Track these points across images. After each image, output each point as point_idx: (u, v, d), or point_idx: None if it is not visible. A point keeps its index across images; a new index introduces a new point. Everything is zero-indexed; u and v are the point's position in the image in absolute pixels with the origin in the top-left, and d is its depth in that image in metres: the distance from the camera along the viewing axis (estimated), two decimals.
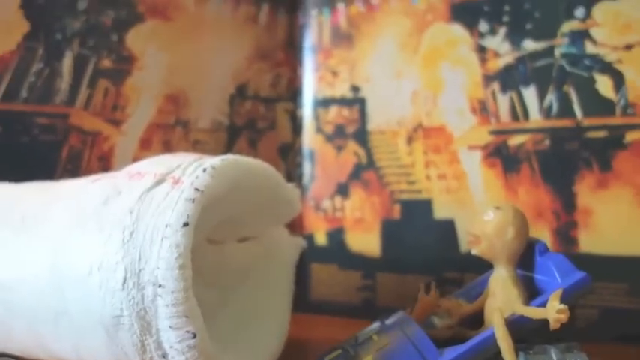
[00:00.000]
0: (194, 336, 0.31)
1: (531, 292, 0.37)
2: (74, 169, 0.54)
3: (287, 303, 0.46)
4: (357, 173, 0.59)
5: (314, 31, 0.62)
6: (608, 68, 0.48)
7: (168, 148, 0.57)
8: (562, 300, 0.32)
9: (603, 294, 0.48)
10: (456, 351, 0.34)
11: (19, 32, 0.52)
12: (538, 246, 0.37)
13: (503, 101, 0.52)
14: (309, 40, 0.62)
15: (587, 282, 0.35)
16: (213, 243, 0.45)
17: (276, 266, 0.46)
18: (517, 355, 0.33)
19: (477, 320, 0.37)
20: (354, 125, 0.59)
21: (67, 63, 0.54)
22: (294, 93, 0.63)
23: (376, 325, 0.38)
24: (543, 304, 0.33)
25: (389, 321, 0.38)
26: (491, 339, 0.34)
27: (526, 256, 0.38)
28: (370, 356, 0.35)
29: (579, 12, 0.49)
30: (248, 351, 0.40)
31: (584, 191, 0.49)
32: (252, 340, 0.41)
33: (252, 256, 0.46)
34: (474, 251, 0.37)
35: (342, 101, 0.60)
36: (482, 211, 0.36)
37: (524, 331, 0.34)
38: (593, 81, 0.49)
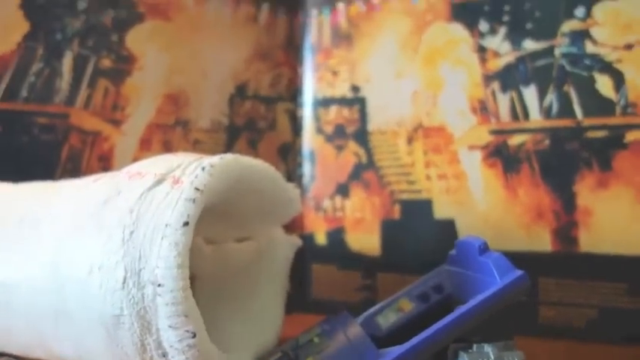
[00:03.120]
0: (194, 335, 0.31)
1: (472, 291, 0.37)
2: (74, 169, 0.54)
3: (281, 302, 0.46)
4: (357, 173, 0.59)
5: (314, 31, 0.62)
6: (608, 68, 0.49)
7: (168, 148, 0.57)
8: (500, 298, 0.34)
9: (603, 294, 0.48)
10: (396, 352, 0.34)
11: (19, 32, 0.52)
12: (479, 245, 0.38)
13: (504, 101, 0.52)
14: (309, 40, 0.63)
15: (524, 281, 0.36)
16: (212, 243, 0.45)
17: (271, 265, 0.46)
18: (457, 354, 0.33)
19: (424, 320, 0.37)
20: (354, 125, 0.59)
21: (66, 63, 0.54)
22: (294, 93, 0.64)
23: (318, 327, 0.38)
24: (479, 305, 0.34)
25: (331, 323, 0.38)
26: (433, 339, 0.34)
27: (468, 255, 0.38)
28: (311, 358, 0.36)
29: (579, 11, 0.49)
30: (242, 350, 0.40)
31: (585, 191, 0.49)
32: (246, 338, 0.41)
33: (250, 255, 0.46)
34: None
35: (342, 101, 0.60)
36: None
37: (464, 330, 0.35)
38: (593, 81, 0.49)
